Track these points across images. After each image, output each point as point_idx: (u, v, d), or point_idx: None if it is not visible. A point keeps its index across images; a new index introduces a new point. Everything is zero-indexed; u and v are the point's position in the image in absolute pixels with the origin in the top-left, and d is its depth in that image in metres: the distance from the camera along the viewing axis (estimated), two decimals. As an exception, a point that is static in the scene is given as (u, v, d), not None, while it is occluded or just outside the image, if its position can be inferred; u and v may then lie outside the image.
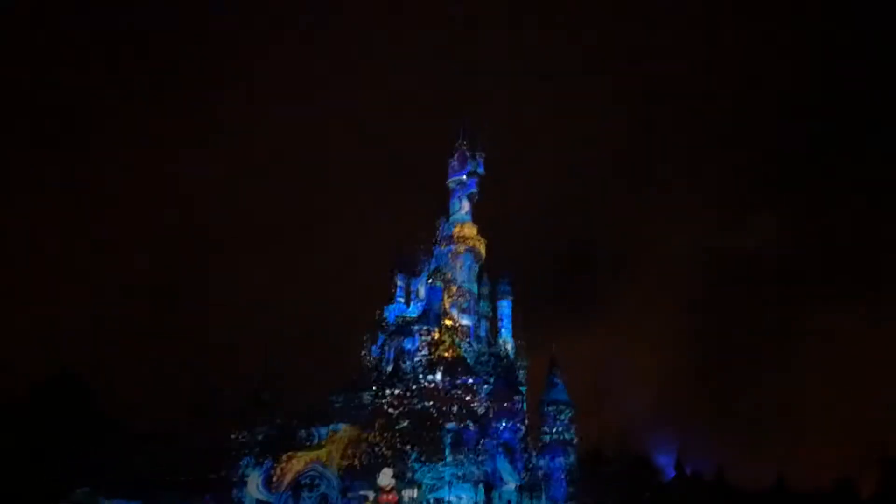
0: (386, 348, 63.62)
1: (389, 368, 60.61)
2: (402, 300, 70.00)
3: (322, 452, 54.29)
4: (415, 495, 51.43)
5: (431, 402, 54.77)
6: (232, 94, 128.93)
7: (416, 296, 70.93)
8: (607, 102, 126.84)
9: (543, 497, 54.29)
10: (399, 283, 71.14)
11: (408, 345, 62.50)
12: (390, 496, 51.33)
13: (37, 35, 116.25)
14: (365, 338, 69.70)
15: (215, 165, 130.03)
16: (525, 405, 59.87)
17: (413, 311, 68.35)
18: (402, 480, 51.43)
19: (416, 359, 60.68)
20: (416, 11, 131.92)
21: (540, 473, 54.98)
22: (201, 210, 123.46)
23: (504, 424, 54.92)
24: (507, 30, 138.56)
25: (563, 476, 55.19)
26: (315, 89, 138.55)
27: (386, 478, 51.24)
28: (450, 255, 66.83)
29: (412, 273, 72.34)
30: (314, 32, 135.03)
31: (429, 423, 54.06)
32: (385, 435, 53.49)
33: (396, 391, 55.44)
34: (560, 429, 57.34)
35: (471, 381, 56.35)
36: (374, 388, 58.18)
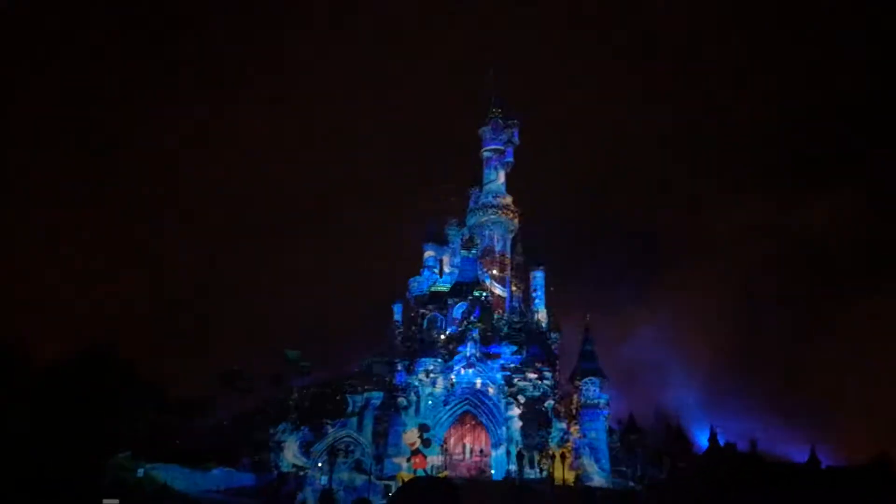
0: (419, 319, 63.73)
1: (422, 338, 60.80)
2: (437, 271, 69.96)
3: (357, 419, 54.93)
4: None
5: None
6: (262, 78, 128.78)
7: (448, 266, 70.96)
8: (657, 84, 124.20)
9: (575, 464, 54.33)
10: (431, 253, 71.12)
11: (441, 315, 62.64)
12: (419, 459, 51.98)
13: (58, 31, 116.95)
14: (395, 308, 70.15)
15: (247, 147, 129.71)
16: (557, 374, 59.67)
17: (445, 280, 68.36)
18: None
19: (450, 329, 60.86)
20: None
21: (569, 442, 54.97)
22: (238, 196, 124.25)
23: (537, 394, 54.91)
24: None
25: (592, 445, 55.13)
26: (343, 68, 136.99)
27: (413, 437, 52.04)
28: (484, 225, 66.52)
29: (443, 244, 72.27)
30: (344, 16, 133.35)
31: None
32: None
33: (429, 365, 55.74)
34: (591, 398, 57.12)
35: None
36: (408, 357, 58.40)
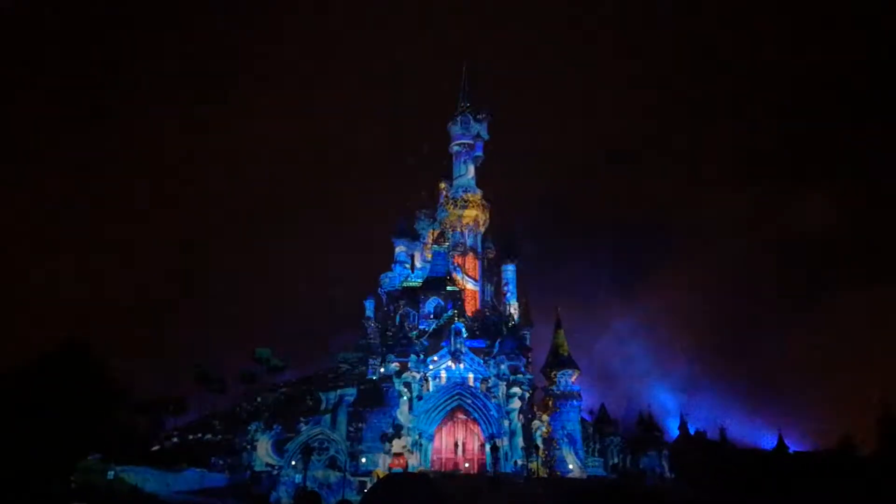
0: (392, 314, 63.55)
1: (395, 333, 60.57)
2: (408, 266, 69.85)
3: (330, 416, 54.55)
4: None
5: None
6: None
7: (419, 261, 70.92)
8: (645, 77, 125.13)
9: (550, 455, 54.60)
10: (402, 248, 71.01)
11: (413, 310, 62.52)
12: (400, 459, 51.80)
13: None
14: (367, 304, 69.95)
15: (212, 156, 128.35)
16: (530, 366, 59.88)
17: (416, 276, 68.27)
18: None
19: (423, 324, 60.80)
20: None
21: (544, 433, 55.14)
22: (213, 196, 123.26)
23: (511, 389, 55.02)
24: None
25: (566, 435, 55.43)
26: (313, 69, 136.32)
27: (401, 443, 51.68)
28: (454, 220, 66.50)
29: (415, 238, 72.21)
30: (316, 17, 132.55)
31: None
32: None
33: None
34: (565, 390, 57.46)
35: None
36: (381, 353, 58.22)
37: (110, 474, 43.45)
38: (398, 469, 50.50)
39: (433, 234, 69.10)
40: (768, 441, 73.57)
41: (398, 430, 52.51)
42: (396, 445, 51.80)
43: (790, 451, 70.77)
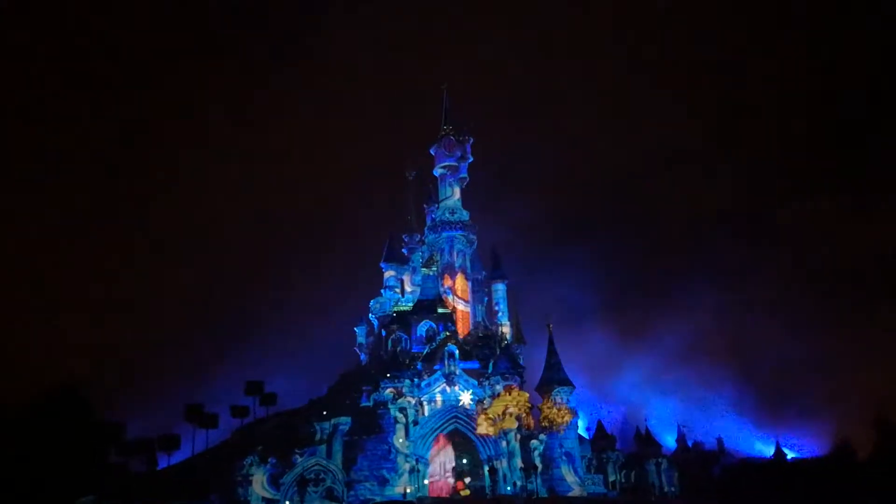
0: (384, 340, 63.20)
1: (388, 359, 60.15)
2: (398, 290, 69.72)
3: (325, 447, 53.99)
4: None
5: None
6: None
7: (409, 285, 70.80)
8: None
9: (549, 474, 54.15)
10: (391, 273, 70.91)
11: (405, 335, 62.22)
12: (398, 486, 51.30)
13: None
14: (358, 331, 69.67)
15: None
16: (524, 385, 59.52)
17: (407, 300, 68.09)
18: None
19: (416, 349, 60.50)
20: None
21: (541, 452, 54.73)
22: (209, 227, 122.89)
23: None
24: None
25: (565, 453, 55.06)
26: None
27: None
28: (442, 242, 66.50)
29: (403, 263, 72.18)
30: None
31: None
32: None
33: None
34: (560, 407, 57.13)
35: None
36: (374, 380, 57.74)
37: (104, 515, 42.81)
38: (397, 496, 50.03)
39: (423, 257, 69.02)
40: (766, 449, 73.65)
41: (395, 457, 52.04)
42: (394, 472, 51.32)
43: (788, 458, 70.81)
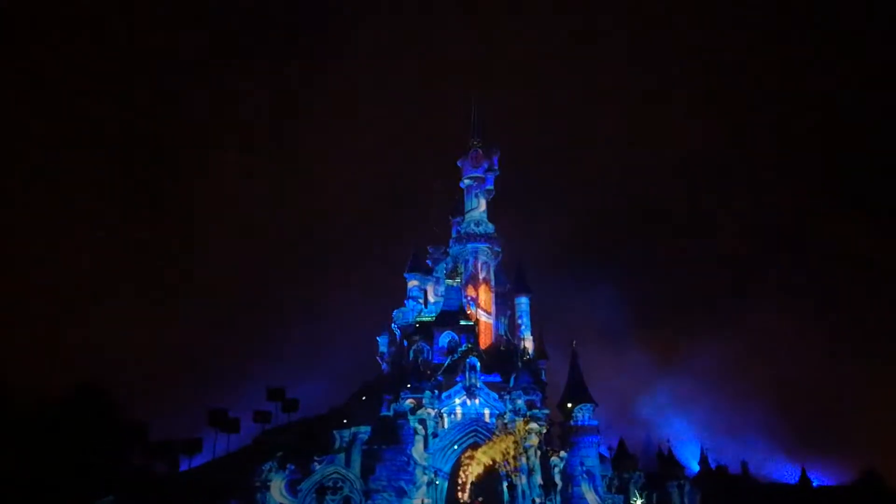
0: (406, 350, 63.14)
1: (409, 369, 60.10)
2: (421, 301, 69.63)
3: (344, 455, 53.98)
4: None
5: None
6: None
7: (432, 295, 70.66)
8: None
9: (569, 493, 53.54)
10: (415, 283, 70.88)
11: (427, 345, 62.12)
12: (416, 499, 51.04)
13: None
14: (380, 340, 69.60)
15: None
16: (546, 401, 59.00)
17: (430, 311, 67.95)
18: None
19: (437, 359, 60.30)
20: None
21: (561, 469, 54.11)
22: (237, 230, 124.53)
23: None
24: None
25: (585, 472, 54.44)
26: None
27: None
28: (467, 254, 66.38)
29: (427, 273, 72.11)
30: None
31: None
32: None
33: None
34: (583, 424, 56.58)
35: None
36: (395, 389, 57.68)
37: (125, 516, 43.14)
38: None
39: (447, 268, 68.90)
40: (791, 475, 72.17)
41: (413, 469, 51.80)
42: (411, 484, 51.09)
43: (814, 484, 69.33)
